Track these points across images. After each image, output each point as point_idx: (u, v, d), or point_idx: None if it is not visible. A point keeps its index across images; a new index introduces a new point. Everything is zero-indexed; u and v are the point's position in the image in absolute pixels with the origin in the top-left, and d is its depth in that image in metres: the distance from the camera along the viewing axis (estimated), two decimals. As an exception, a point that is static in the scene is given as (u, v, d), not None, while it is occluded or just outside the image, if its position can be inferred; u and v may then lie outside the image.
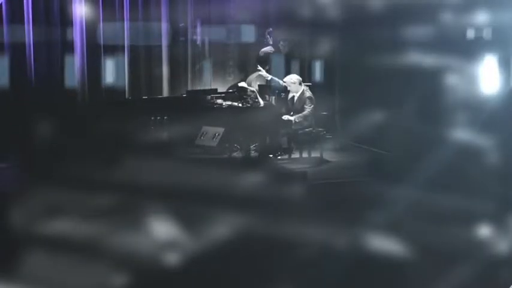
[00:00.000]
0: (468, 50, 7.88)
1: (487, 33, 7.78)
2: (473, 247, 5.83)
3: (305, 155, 9.16)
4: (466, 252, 5.65)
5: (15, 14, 9.36)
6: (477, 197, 6.48)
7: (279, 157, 9.01)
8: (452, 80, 7.97)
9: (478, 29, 7.84)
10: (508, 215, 6.36)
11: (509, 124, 7.46)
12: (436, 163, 7.15)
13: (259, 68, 9.60)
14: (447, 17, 8.02)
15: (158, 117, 8.91)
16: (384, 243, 5.83)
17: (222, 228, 6.03)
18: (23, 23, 9.36)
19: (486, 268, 5.50)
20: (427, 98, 8.29)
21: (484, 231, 6.13)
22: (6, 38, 9.26)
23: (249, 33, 10.53)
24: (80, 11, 9.65)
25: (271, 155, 8.93)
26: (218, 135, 8.66)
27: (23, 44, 9.37)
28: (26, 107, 9.02)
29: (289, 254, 5.66)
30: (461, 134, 7.62)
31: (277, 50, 10.08)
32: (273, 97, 9.35)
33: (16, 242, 5.73)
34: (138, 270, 5.36)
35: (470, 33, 7.86)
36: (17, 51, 9.33)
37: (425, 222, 6.09)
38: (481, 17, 7.77)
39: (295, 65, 10.36)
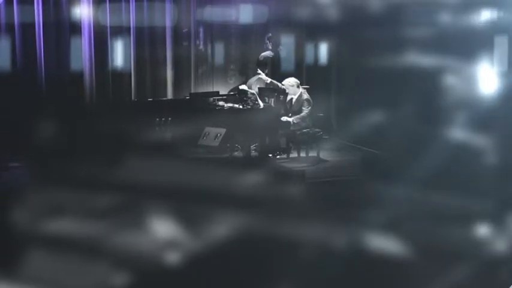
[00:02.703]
0: (465, 49, 7.82)
1: (484, 33, 7.71)
2: (471, 247, 5.78)
3: (303, 154, 9.14)
4: (464, 252, 5.60)
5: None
6: (475, 196, 6.43)
7: (278, 156, 8.99)
8: (448, 80, 7.92)
9: (476, 29, 7.78)
10: (506, 215, 6.31)
11: (507, 124, 7.42)
12: (431, 162, 7.12)
13: (259, 71, 9.60)
14: (443, 17, 7.97)
15: (163, 119, 8.89)
16: (380, 241, 5.80)
17: (222, 225, 6.00)
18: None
19: (485, 268, 5.46)
20: (422, 98, 8.25)
21: (483, 231, 6.08)
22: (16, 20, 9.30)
23: (249, 37, 10.52)
24: (88, 18, 9.64)
25: (270, 155, 8.91)
26: (220, 135, 8.65)
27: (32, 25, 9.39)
28: (33, 106, 9.01)
29: (287, 252, 5.63)
30: (457, 133, 7.58)
31: (276, 54, 10.09)
32: (272, 99, 9.33)
33: (23, 240, 5.70)
34: (141, 270, 5.33)
35: (467, 33, 7.80)
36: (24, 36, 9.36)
37: (421, 221, 6.05)
38: (479, 17, 7.71)
39: (294, 68, 10.34)
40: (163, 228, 6.00)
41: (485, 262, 5.58)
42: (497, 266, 5.57)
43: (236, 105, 9.05)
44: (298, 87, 9.12)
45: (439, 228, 5.90)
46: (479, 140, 7.40)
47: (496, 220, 6.17)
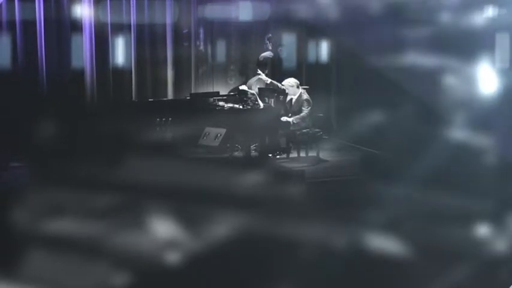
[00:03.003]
0: (465, 48, 7.78)
1: (485, 32, 7.67)
2: (471, 247, 5.74)
3: (303, 154, 9.12)
4: (464, 252, 5.57)
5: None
6: (475, 196, 6.38)
7: (278, 156, 8.97)
8: (448, 79, 7.88)
9: (476, 28, 7.73)
10: (506, 215, 6.26)
11: (508, 124, 7.38)
12: (431, 162, 7.08)
13: (259, 72, 9.59)
14: (443, 16, 7.93)
15: (163, 119, 8.88)
16: (380, 241, 5.76)
17: (222, 225, 5.97)
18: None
19: (485, 268, 5.42)
20: (422, 98, 8.21)
21: (483, 231, 6.04)
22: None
23: (250, 38, 10.49)
24: (88, 19, 9.60)
25: (270, 155, 8.89)
26: (220, 135, 8.66)
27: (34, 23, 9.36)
28: (33, 105, 8.98)
29: (287, 252, 5.60)
30: (457, 133, 7.54)
31: (276, 54, 10.08)
32: (272, 99, 9.31)
33: (23, 240, 5.67)
34: (141, 270, 5.29)
35: (468, 32, 7.75)
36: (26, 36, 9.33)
37: (421, 221, 6.02)
38: (480, 15, 7.67)
39: (294, 68, 10.32)
40: (163, 228, 5.97)
41: (485, 262, 5.54)
42: (497, 266, 5.54)
43: (236, 106, 9.04)
44: (298, 87, 9.10)
45: (439, 228, 5.86)
46: (480, 140, 7.36)
47: (496, 220, 6.13)
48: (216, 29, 10.43)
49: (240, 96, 9.11)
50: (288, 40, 10.31)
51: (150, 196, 6.41)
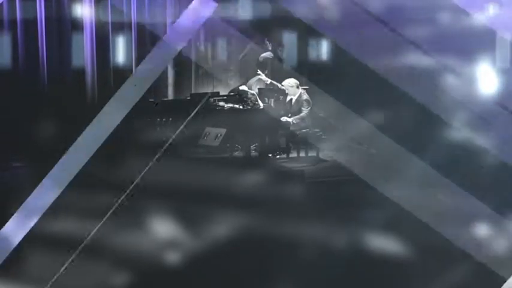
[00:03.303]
0: (466, 47, 7.76)
1: (486, 30, 7.64)
2: (471, 247, 5.73)
3: (302, 154, 9.11)
4: (464, 252, 5.56)
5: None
6: (475, 196, 6.37)
7: (278, 156, 8.96)
8: (447, 81, 7.87)
9: (477, 26, 7.71)
10: (506, 215, 6.25)
11: (508, 123, 7.36)
12: (431, 162, 7.06)
13: (259, 72, 9.58)
14: (443, 17, 7.91)
15: (164, 119, 8.87)
16: (380, 241, 5.75)
17: (222, 225, 5.96)
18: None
19: (485, 268, 5.41)
20: (423, 97, 8.19)
21: (483, 231, 6.03)
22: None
23: (250, 38, 10.47)
24: (89, 18, 9.57)
25: (270, 155, 8.89)
26: (220, 135, 8.64)
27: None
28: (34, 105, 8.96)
29: (287, 252, 5.58)
30: (458, 133, 7.52)
31: (276, 55, 10.06)
32: (272, 100, 9.30)
33: (23, 240, 5.65)
34: (141, 270, 5.28)
35: (468, 31, 7.72)
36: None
37: (420, 221, 6.00)
38: (481, 13, 7.65)
39: (294, 68, 10.30)
40: (163, 228, 5.95)
41: (485, 262, 5.53)
42: (497, 266, 5.52)
43: (236, 106, 9.03)
44: (297, 87, 9.10)
45: (439, 228, 5.85)
46: (480, 140, 7.34)
47: (496, 220, 6.11)
48: (216, 29, 10.41)
49: (240, 96, 9.11)
50: (288, 40, 10.30)
51: (150, 196, 6.39)
